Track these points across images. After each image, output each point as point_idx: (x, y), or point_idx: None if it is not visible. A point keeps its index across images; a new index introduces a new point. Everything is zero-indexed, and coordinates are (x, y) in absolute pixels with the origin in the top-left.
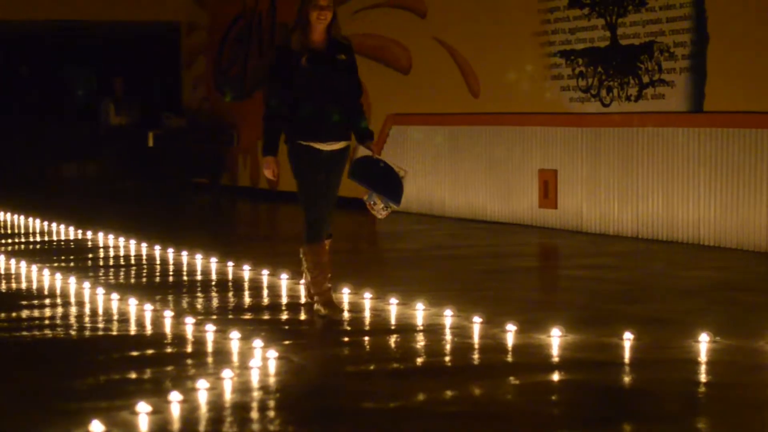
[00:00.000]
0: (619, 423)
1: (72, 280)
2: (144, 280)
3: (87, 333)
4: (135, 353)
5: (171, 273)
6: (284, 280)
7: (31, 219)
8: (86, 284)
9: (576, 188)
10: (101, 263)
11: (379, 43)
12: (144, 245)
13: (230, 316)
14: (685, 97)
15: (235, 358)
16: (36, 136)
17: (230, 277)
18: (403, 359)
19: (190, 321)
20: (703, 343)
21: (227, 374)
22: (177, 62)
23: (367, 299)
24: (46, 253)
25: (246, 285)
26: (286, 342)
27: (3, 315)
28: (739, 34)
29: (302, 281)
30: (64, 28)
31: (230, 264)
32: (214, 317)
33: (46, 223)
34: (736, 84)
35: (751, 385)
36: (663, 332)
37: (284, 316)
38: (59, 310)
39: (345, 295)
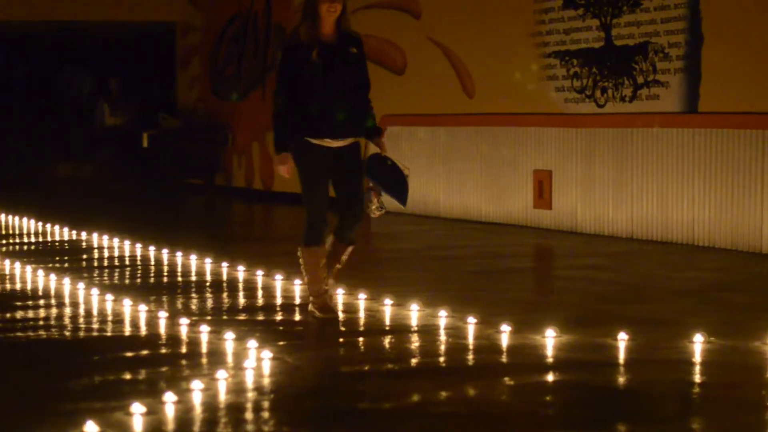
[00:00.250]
0: (613, 423)
1: (66, 281)
2: (138, 280)
3: (81, 334)
4: (129, 354)
5: (165, 274)
6: (279, 280)
7: (25, 219)
8: (81, 285)
9: (571, 189)
10: (96, 264)
11: (374, 43)
12: (138, 246)
13: (225, 317)
14: (679, 98)
15: (229, 358)
16: (31, 136)
17: (225, 277)
18: (398, 360)
19: (184, 322)
20: (698, 344)
21: (222, 375)
22: (172, 63)
23: (362, 300)
24: (41, 253)
25: (240, 286)
26: (281, 343)
27: None
28: (734, 35)
29: (299, 282)
30: (59, 28)
31: (225, 265)
32: (209, 318)
33: (40, 224)
34: (730, 85)
35: (746, 385)
36: (657, 333)
37: (279, 317)
38: (54, 310)
39: (339, 295)
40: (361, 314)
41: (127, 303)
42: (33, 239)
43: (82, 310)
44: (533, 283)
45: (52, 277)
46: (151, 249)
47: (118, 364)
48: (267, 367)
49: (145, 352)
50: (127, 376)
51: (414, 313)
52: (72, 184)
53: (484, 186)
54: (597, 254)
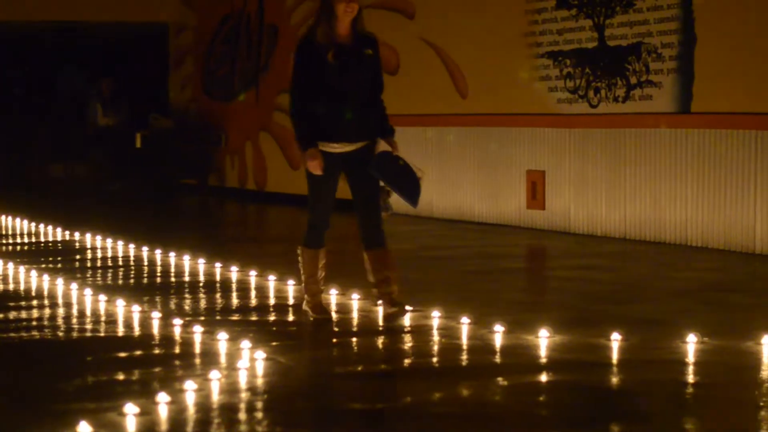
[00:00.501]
0: (606, 423)
1: (59, 282)
2: (132, 281)
3: (75, 334)
4: (123, 354)
5: (159, 274)
6: (272, 281)
7: (18, 220)
8: (74, 285)
9: (564, 189)
10: (89, 264)
11: None
12: (131, 246)
13: (218, 318)
14: (672, 99)
15: (222, 359)
16: (24, 136)
17: (218, 278)
18: (391, 360)
19: (177, 322)
20: (691, 344)
21: (215, 375)
22: (165, 63)
23: (355, 300)
24: (34, 254)
25: (234, 286)
26: (274, 343)
27: None
28: (727, 36)
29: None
30: (52, 29)
31: (218, 265)
32: (202, 318)
33: (33, 225)
34: (723, 85)
35: (739, 385)
36: (651, 333)
37: (272, 318)
38: (47, 311)
39: (333, 296)
40: (355, 315)
41: (120, 303)
42: (26, 239)
43: (75, 311)
44: (526, 283)
45: (46, 277)
46: (144, 249)
47: (111, 365)
48: (260, 367)
49: (138, 352)
50: (121, 377)
51: (407, 314)
52: (65, 185)
53: (477, 186)
54: (590, 255)
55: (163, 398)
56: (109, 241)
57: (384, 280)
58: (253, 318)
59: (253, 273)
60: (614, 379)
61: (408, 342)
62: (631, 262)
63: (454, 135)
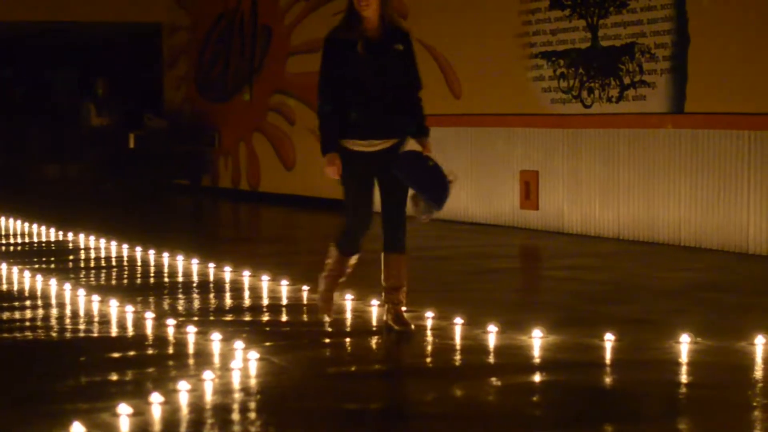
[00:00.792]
0: (599, 424)
1: (53, 282)
2: (125, 281)
3: (68, 335)
4: (116, 355)
5: (152, 274)
6: (265, 281)
7: (11, 220)
8: (67, 286)
9: (557, 189)
10: (82, 265)
11: None
12: (125, 247)
13: (211, 318)
14: (666, 99)
15: (216, 359)
16: (17, 136)
17: (211, 278)
18: (385, 360)
19: (171, 322)
20: (684, 344)
21: (208, 376)
22: (159, 63)
23: (349, 300)
24: (27, 254)
25: (227, 286)
26: (267, 343)
27: None
28: (720, 36)
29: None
30: (46, 29)
31: (211, 265)
32: (195, 319)
33: (26, 225)
34: (717, 85)
35: (732, 385)
36: (644, 333)
37: (265, 318)
38: (40, 311)
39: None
40: (348, 315)
41: (113, 304)
42: (19, 240)
43: (68, 311)
44: (520, 283)
45: (39, 277)
46: (138, 250)
47: (104, 365)
48: (253, 367)
49: (131, 352)
50: (114, 377)
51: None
52: (58, 185)
53: (470, 186)
54: (583, 255)
55: (156, 398)
56: (102, 242)
57: (394, 287)
58: (247, 318)
59: (246, 273)
60: (607, 379)
61: (401, 342)
62: (625, 262)
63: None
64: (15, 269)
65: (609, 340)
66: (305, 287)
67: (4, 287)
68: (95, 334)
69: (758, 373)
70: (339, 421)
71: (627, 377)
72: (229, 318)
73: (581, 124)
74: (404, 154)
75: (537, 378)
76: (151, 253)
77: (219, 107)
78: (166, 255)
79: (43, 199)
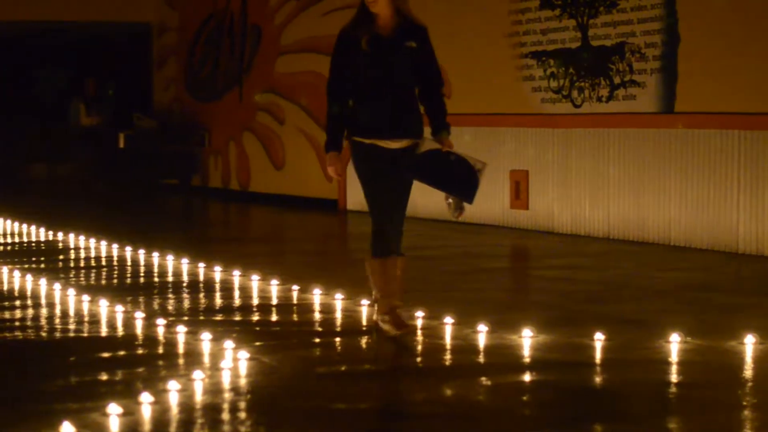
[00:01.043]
0: (590, 423)
1: (43, 282)
2: (115, 281)
3: (58, 335)
4: (106, 355)
5: (142, 274)
6: (255, 281)
7: (1, 220)
8: (57, 286)
9: (547, 189)
10: (72, 264)
11: None
12: (115, 246)
13: (201, 318)
14: (656, 98)
15: (206, 359)
16: (6, 136)
17: (201, 278)
18: (375, 360)
19: (161, 322)
20: (674, 344)
21: (198, 375)
22: (148, 63)
23: (338, 300)
24: (17, 254)
25: (217, 286)
26: (258, 343)
27: None
28: (710, 35)
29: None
30: (35, 28)
31: (201, 265)
32: (186, 318)
33: (16, 224)
34: (706, 85)
35: (722, 385)
36: (634, 333)
37: (255, 318)
38: (30, 311)
39: (316, 296)
40: (338, 314)
41: (103, 304)
42: (9, 240)
43: (58, 311)
44: (510, 283)
45: (29, 277)
46: (128, 249)
47: (94, 365)
48: (243, 367)
49: (121, 352)
50: (104, 377)
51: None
52: (47, 185)
53: None
54: (574, 254)
55: (146, 398)
56: (92, 241)
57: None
58: (237, 318)
59: (236, 273)
60: (597, 379)
61: (391, 342)
62: (615, 262)
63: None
64: (5, 269)
65: (599, 339)
66: (295, 287)
67: None
68: (85, 334)
69: (748, 372)
70: (329, 421)
71: (617, 377)
72: (219, 318)
73: (571, 124)
74: (422, 157)
75: (527, 377)
76: (141, 252)
77: (209, 107)
78: (156, 255)
79: (32, 199)
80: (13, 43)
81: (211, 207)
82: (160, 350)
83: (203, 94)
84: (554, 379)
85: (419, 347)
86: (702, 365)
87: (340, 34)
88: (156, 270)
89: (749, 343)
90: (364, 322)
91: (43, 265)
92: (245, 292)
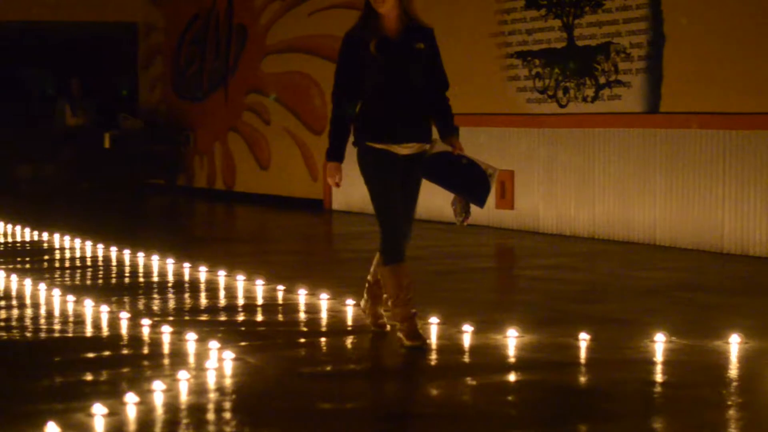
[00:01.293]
0: (575, 423)
1: (28, 282)
2: (100, 281)
3: (43, 335)
4: (91, 355)
5: (127, 274)
6: (240, 281)
7: None
8: (42, 286)
9: (533, 189)
10: (57, 265)
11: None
12: (100, 246)
13: (186, 318)
14: (641, 98)
15: (191, 359)
16: None
17: (187, 278)
18: (360, 360)
19: (146, 322)
20: (659, 343)
21: (183, 376)
22: (134, 63)
23: (323, 300)
24: (2, 254)
25: (202, 286)
26: (243, 343)
27: None
28: (696, 36)
29: (362, 304)
30: (20, 28)
31: (186, 265)
32: (171, 319)
33: (1, 224)
34: (692, 85)
35: (707, 384)
36: (619, 332)
37: (240, 318)
38: (15, 312)
39: (301, 295)
40: (323, 314)
41: (88, 304)
42: None
43: (43, 311)
44: (495, 283)
45: (14, 278)
46: (113, 250)
47: (79, 365)
48: (229, 367)
49: (106, 353)
50: (89, 377)
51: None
52: (33, 185)
53: None
54: (559, 254)
55: (131, 399)
56: (77, 242)
57: (382, 297)
58: (222, 318)
59: (221, 273)
60: (582, 379)
61: (376, 342)
62: (600, 262)
63: None
64: None
65: (584, 339)
66: (280, 287)
67: None
68: (70, 334)
69: (732, 371)
70: (314, 421)
71: (602, 376)
72: (204, 318)
73: (557, 124)
74: (431, 158)
75: (512, 377)
76: (127, 252)
77: (195, 107)
78: (141, 255)
79: (17, 199)
80: None
81: (196, 207)
82: (146, 350)
83: (189, 93)
84: (539, 379)
85: (404, 347)
86: (687, 365)
87: (346, 38)
88: (141, 270)
89: (734, 342)
90: (350, 322)
91: (28, 266)
92: (230, 292)
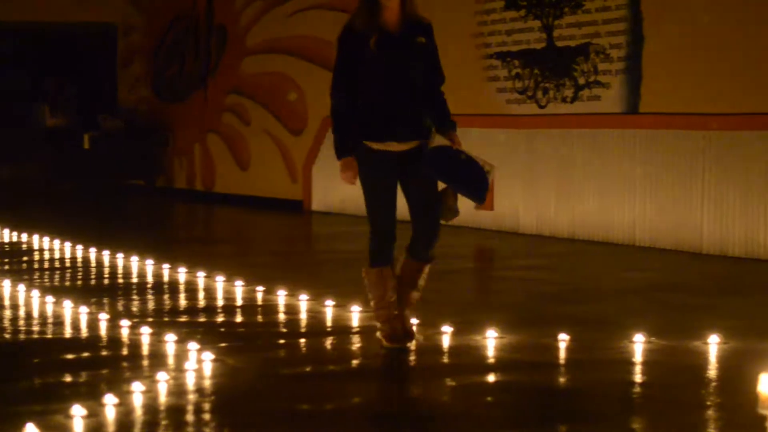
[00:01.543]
0: (555, 424)
1: (7, 283)
2: (79, 282)
3: (22, 336)
4: (70, 356)
5: (106, 275)
6: (220, 282)
7: None
8: (21, 287)
9: (512, 190)
10: (36, 266)
11: (316, 45)
12: (79, 247)
13: (166, 319)
14: (620, 99)
15: (170, 360)
16: None
17: (166, 279)
18: (339, 361)
19: (125, 324)
20: (639, 344)
21: (162, 377)
22: (113, 63)
23: (303, 301)
24: None
25: (182, 287)
26: (222, 344)
27: None
28: (675, 36)
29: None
30: None
31: (166, 266)
32: (150, 320)
33: None
34: (671, 86)
35: (686, 385)
36: (599, 333)
37: (220, 319)
38: None
39: (281, 296)
40: (303, 315)
41: (67, 305)
42: None
43: (22, 312)
44: (475, 283)
45: None
46: (92, 251)
47: (58, 367)
48: (208, 368)
49: (85, 354)
50: (68, 379)
51: (355, 315)
52: (11, 186)
53: None
54: (538, 255)
55: (110, 400)
56: (56, 243)
57: (405, 298)
58: (201, 319)
59: (201, 274)
60: (562, 379)
61: (356, 343)
62: (580, 263)
63: None
64: None
65: (563, 340)
66: (260, 288)
67: None
68: (49, 336)
69: (712, 372)
70: (293, 422)
71: (581, 377)
72: (183, 319)
73: (536, 125)
74: (433, 150)
75: (492, 378)
76: (106, 253)
77: (174, 108)
78: (120, 256)
79: None
80: None
81: (175, 208)
82: (125, 352)
83: (169, 94)
84: (519, 380)
85: (384, 348)
86: (666, 365)
87: (344, 32)
88: (120, 271)
89: (713, 343)
90: (329, 323)
91: (6, 267)
92: (210, 293)
